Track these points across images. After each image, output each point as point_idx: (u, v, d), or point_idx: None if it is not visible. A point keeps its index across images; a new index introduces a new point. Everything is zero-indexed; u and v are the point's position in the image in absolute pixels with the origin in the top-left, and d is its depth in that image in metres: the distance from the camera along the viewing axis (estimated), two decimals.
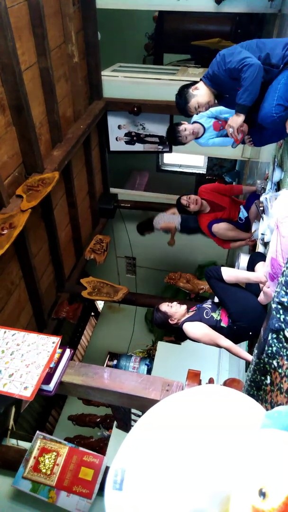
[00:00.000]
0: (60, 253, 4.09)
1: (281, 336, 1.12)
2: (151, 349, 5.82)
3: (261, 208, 2.62)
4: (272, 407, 1.10)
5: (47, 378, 1.83)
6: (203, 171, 7.35)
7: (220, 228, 3.22)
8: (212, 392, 0.82)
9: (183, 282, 4.76)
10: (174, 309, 2.48)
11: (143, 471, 0.71)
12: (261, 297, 2.25)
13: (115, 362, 5.17)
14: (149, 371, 4.71)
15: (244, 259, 2.76)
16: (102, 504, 0.72)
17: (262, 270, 2.27)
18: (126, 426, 2.65)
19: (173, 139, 3.10)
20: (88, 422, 4.93)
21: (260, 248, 2.71)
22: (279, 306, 1.09)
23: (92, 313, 7.48)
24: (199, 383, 1.90)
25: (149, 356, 5.51)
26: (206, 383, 2.11)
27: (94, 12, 3.97)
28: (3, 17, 2.51)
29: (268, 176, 2.81)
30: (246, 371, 2.43)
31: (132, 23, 6.03)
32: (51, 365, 1.87)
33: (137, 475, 0.72)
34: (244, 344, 2.70)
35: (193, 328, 2.35)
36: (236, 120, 2.18)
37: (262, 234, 2.54)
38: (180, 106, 2.41)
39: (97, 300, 4.92)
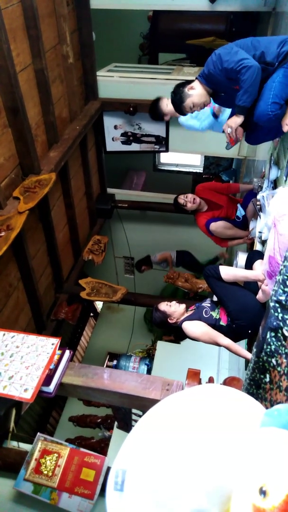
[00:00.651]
0: (58, 254, 4.08)
1: (279, 334, 1.12)
2: (150, 349, 5.81)
3: (258, 206, 2.62)
4: (271, 406, 1.10)
5: (47, 380, 1.83)
6: (200, 170, 7.36)
7: (218, 226, 3.23)
8: (212, 392, 0.82)
9: (181, 281, 4.77)
10: (173, 308, 2.48)
11: (144, 471, 0.72)
12: (260, 295, 2.25)
13: (114, 362, 5.16)
14: (149, 371, 4.71)
15: (242, 257, 2.76)
16: (104, 505, 0.72)
17: (260, 268, 2.27)
18: (127, 426, 2.65)
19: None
20: (89, 423, 4.92)
21: (258, 246, 2.71)
22: (277, 305, 1.09)
23: (91, 314, 7.47)
24: (199, 382, 1.90)
25: (148, 356, 5.50)
26: (206, 382, 2.12)
27: (89, 12, 3.96)
28: None
29: (265, 174, 2.81)
30: (245, 370, 2.44)
31: (127, 23, 6.04)
32: (51, 367, 1.87)
33: (138, 475, 0.72)
34: (244, 342, 2.70)
35: (192, 327, 2.35)
36: (236, 120, 2.20)
37: (260, 232, 2.54)
38: (175, 105, 2.41)
39: (96, 300, 4.92)
